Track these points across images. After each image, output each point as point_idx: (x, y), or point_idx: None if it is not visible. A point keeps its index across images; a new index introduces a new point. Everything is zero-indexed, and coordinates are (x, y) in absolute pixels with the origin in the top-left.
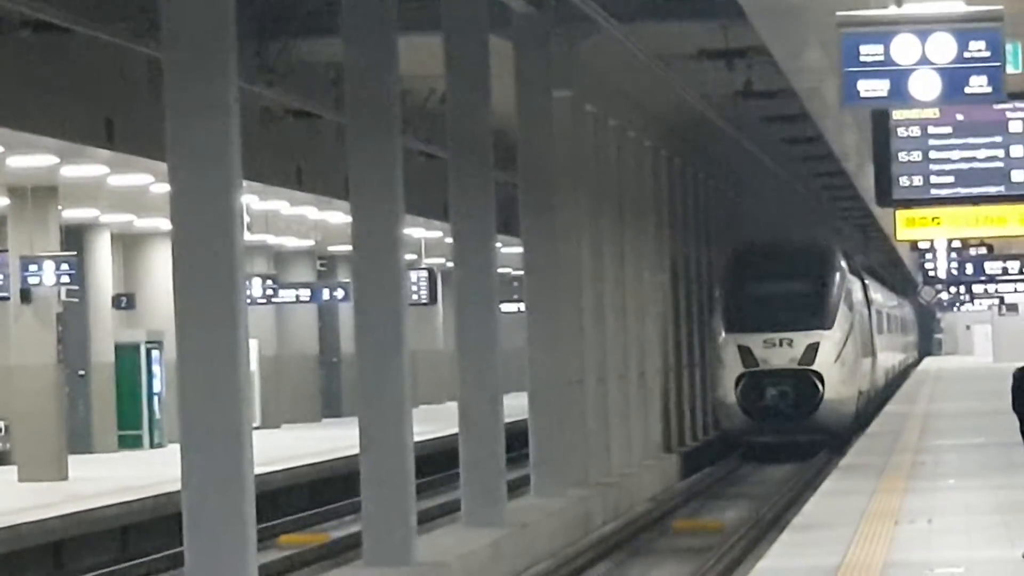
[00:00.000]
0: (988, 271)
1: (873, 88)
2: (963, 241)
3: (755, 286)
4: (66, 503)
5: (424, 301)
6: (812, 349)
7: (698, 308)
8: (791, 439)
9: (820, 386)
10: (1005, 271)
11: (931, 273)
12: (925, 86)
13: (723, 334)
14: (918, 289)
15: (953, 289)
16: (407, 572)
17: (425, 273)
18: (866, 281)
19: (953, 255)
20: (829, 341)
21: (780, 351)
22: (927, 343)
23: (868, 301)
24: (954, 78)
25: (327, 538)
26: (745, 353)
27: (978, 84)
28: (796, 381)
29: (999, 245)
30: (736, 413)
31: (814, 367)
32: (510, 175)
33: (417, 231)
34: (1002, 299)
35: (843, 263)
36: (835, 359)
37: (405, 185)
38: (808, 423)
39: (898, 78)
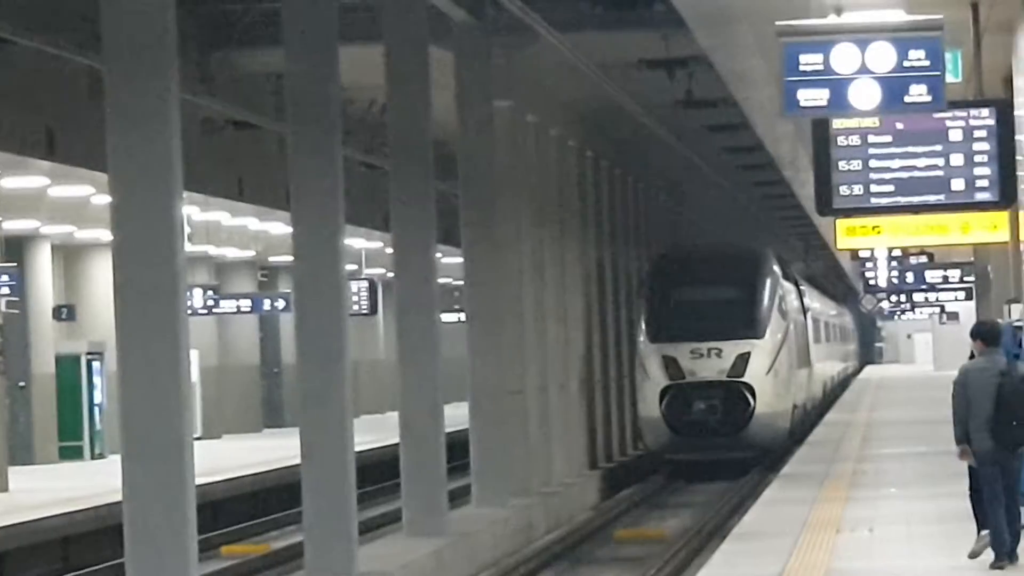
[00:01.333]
0: (929, 280)
1: (813, 97)
2: (903, 250)
3: (681, 292)
4: (7, 514)
5: (365, 311)
6: (742, 360)
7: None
8: (720, 457)
9: (751, 399)
10: (946, 279)
11: (872, 282)
12: (865, 95)
13: (647, 344)
14: (859, 298)
15: (894, 298)
16: None
17: (366, 283)
18: (801, 287)
19: (894, 264)
20: (761, 351)
21: (708, 362)
22: (868, 352)
23: (804, 308)
24: (894, 87)
25: (269, 548)
26: (670, 364)
27: (918, 93)
28: (725, 394)
29: (939, 254)
30: (661, 428)
31: (744, 379)
32: (451, 185)
33: (358, 241)
34: (943, 307)
35: (776, 267)
36: (767, 370)
37: (346, 195)
38: (738, 439)
39: (838, 87)
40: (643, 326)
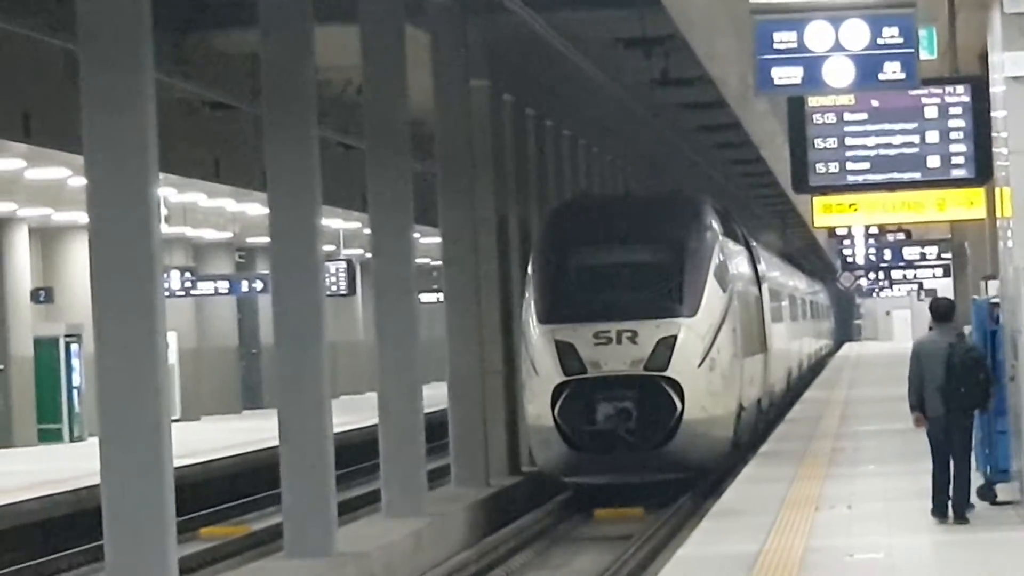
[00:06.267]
0: (906, 256)
1: (787, 75)
2: (880, 227)
3: (581, 256)
4: None
5: (343, 292)
6: (666, 346)
7: None
8: (635, 479)
9: (678, 401)
10: (923, 256)
11: (849, 259)
12: (839, 73)
13: (535, 326)
14: (837, 275)
15: (872, 275)
16: (327, 563)
17: (344, 264)
18: (754, 248)
19: (871, 241)
20: (692, 334)
21: (618, 350)
22: (846, 329)
23: (758, 277)
24: (868, 64)
25: (248, 530)
26: (567, 353)
27: (892, 70)
28: (641, 394)
29: (917, 231)
30: (554, 441)
31: (669, 373)
32: (428, 165)
33: (335, 222)
34: (921, 284)
35: (715, 222)
36: (700, 361)
37: (323, 176)
38: (659, 456)
39: (812, 65)
40: (531, 302)
